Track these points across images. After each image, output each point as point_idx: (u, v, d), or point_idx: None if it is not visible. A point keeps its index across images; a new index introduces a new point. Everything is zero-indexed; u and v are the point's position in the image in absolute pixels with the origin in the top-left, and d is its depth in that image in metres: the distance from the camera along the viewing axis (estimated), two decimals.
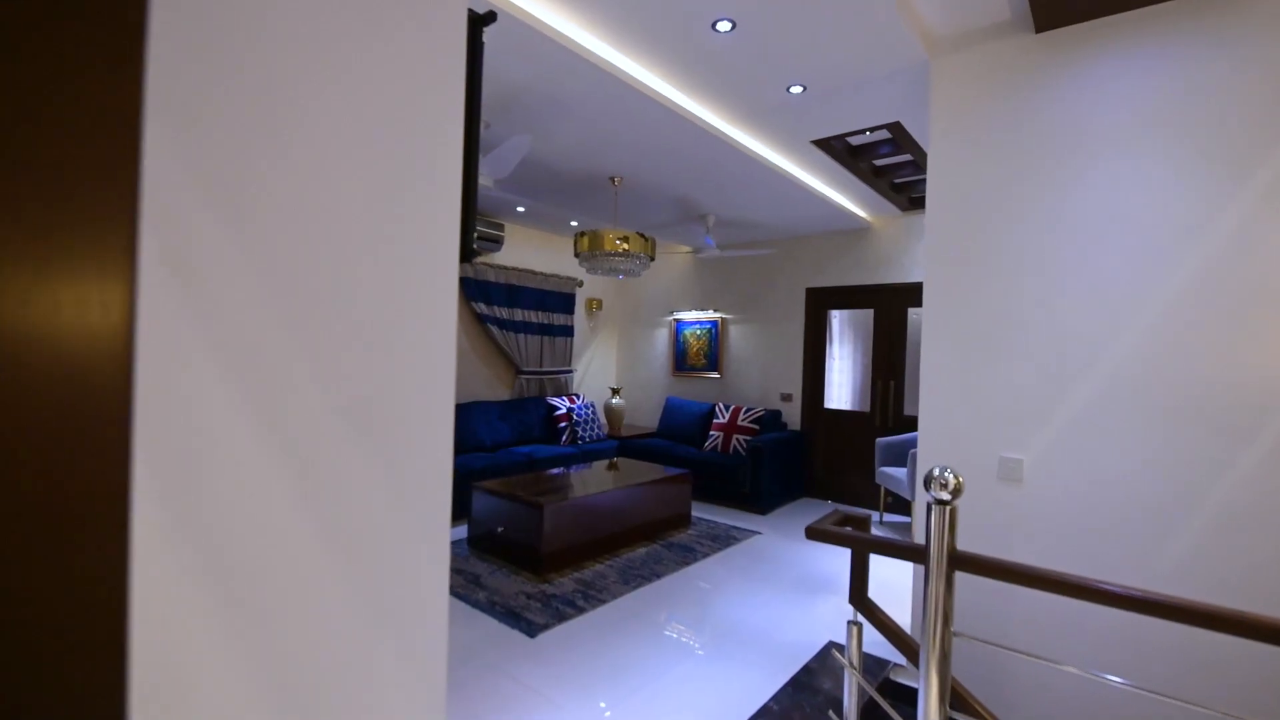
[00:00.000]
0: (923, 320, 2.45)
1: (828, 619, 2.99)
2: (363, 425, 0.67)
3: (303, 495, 0.62)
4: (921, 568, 1.51)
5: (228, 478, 0.56)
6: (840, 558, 3.90)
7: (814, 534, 1.58)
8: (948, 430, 2.36)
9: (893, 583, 3.37)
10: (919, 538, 2.35)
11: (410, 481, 0.72)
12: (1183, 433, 1.94)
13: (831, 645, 2.65)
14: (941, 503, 1.42)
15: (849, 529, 1.66)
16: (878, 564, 3.66)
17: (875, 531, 4.27)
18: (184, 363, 0.53)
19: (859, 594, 1.69)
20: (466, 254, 1.29)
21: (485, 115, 3.03)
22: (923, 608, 1.45)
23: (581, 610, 2.95)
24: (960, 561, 1.40)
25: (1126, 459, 2.04)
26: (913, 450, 4.11)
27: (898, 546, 1.50)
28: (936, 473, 1.42)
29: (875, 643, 2.47)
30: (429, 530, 0.74)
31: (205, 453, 0.54)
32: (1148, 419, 2.01)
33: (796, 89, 2.79)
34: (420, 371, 0.73)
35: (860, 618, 1.73)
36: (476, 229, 5.21)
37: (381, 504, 0.70)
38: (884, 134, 3.50)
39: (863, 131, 3.32)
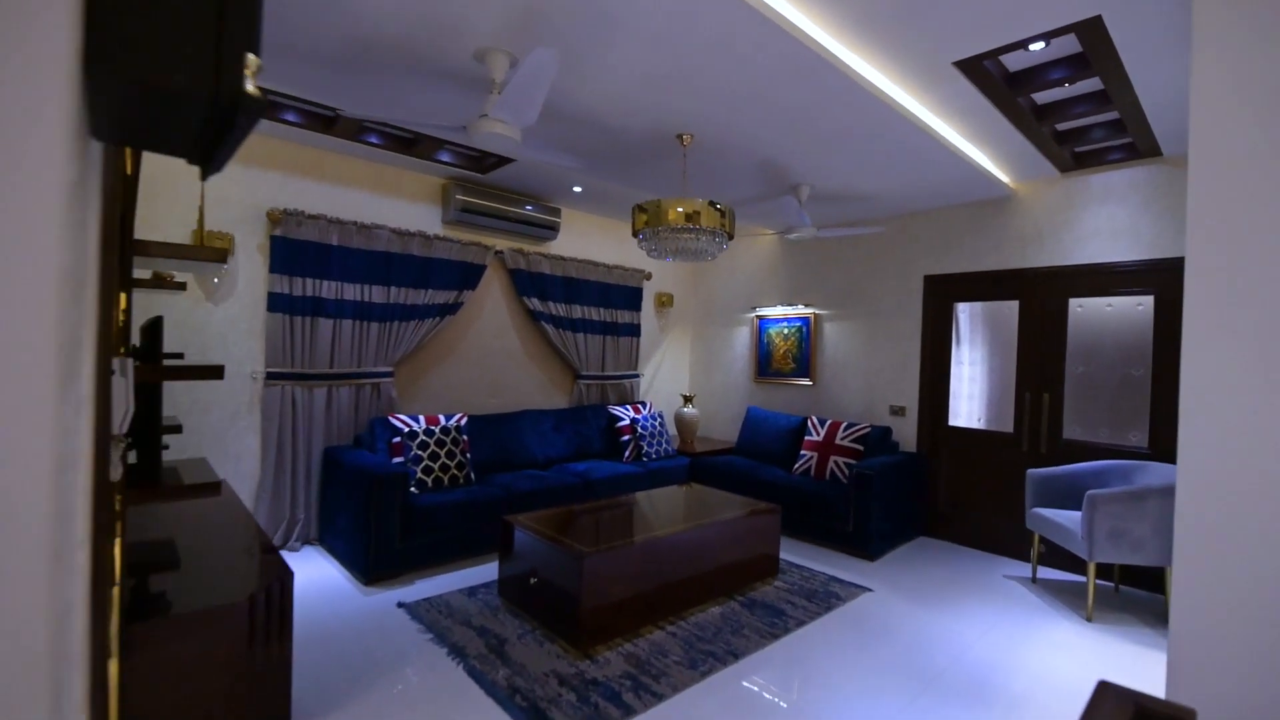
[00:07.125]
0: (1186, 307, 1.47)
1: None
2: None
3: None
4: None
5: None
6: (990, 633, 2.87)
7: None
8: (1235, 480, 1.38)
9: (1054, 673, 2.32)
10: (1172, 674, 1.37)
11: None
12: None
13: None
14: None
15: None
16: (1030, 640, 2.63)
17: (1028, 594, 2.93)
18: None
19: None
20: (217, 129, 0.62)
21: (505, 45, 2.29)
22: None
23: (629, 712, 2.14)
24: None
25: None
26: (1090, 492, 3.00)
27: None
28: None
29: None
30: None
31: None
32: None
33: None
34: None
35: None
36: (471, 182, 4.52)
37: None
38: (1066, 48, 2.47)
39: (1031, 42, 2.31)
